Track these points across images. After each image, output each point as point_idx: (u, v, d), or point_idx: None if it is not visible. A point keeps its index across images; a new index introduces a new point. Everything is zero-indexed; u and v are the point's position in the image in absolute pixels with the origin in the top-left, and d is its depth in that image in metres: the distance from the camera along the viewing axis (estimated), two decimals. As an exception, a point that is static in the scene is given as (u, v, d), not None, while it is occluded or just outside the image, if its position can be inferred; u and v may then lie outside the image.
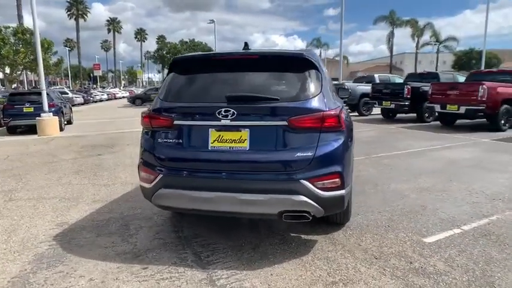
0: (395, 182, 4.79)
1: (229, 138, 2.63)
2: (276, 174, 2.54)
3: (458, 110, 9.45)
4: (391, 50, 48.18)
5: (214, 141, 2.66)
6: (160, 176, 2.74)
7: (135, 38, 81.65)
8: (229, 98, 2.62)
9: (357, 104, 14.32)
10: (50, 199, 4.36)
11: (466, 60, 45.94)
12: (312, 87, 2.69)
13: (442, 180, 4.79)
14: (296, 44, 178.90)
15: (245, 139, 2.61)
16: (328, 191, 2.55)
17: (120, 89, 57.79)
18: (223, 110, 2.59)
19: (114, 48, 76.72)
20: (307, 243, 3.03)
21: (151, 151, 2.83)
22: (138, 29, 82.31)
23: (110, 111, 22.71)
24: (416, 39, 46.47)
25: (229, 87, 2.76)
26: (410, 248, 2.90)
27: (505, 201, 3.95)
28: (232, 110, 2.57)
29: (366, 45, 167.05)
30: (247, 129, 2.60)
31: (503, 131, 9.19)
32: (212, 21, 30.86)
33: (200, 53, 3.31)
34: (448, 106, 9.73)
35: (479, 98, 8.90)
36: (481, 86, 8.93)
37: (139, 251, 2.95)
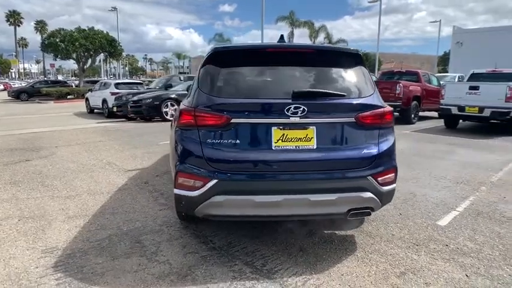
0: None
1: (294, 137, 2.47)
2: (345, 172, 2.49)
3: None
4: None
5: (278, 140, 2.46)
6: (214, 181, 2.41)
7: (7, 21, 69.19)
8: (296, 94, 2.45)
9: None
10: (4, 220, 3.42)
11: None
12: (369, 84, 2.71)
13: (406, 169, 5.36)
14: (193, 38, 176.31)
15: (311, 137, 2.49)
16: (387, 186, 2.61)
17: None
18: (292, 106, 2.41)
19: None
20: (347, 239, 3.06)
21: (197, 153, 2.47)
22: (10, 12, 69.81)
23: (-9, 107, 18.86)
24: (313, 39, 50.51)
25: (289, 82, 2.59)
26: (435, 232, 3.19)
27: (467, 184, 4.65)
28: (303, 107, 2.41)
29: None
30: (314, 127, 2.48)
31: (413, 123, 10.75)
32: (114, 8, 28.17)
33: (245, 43, 3.00)
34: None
35: (396, 95, 10.21)
36: (398, 85, 10.26)
37: (182, 269, 2.56)
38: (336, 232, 3.18)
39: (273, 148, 2.46)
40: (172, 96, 11.40)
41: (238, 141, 2.46)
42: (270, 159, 2.44)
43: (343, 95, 2.54)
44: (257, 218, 2.59)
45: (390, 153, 2.64)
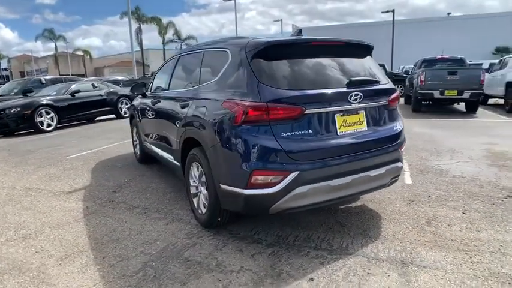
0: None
1: (351, 122, 2.71)
2: (387, 148, 2.88)
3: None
4: (141, 45, 48.67)
5: (340, 126, 2.65)
6: (296, 173, 2.43)
7: None
8: (352, 82, 2.68)
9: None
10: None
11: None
12: (382, 71, 3.14)
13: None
14: (4, 34, 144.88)
15: (363, 120, 2.77)
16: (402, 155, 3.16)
17: None
18: (353, 94, 2.63)
19: None
20: (364, 209, 3.49)
21: (275, 147, 2.42)
22: None
23: None
24: (162, 36, 49.20)
25: (335, 71, 2.77)
26: (412, 189, 3.96)
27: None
28: (360, 94, 2.66)
29: (94, 40, 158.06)
30: (363, 111, 2.77)
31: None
32: None
33: (293, 37, 2.87)
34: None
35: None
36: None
37: (267, 270, 2.47)
38: (351, 205, 3.58)
39: (338, 134, 2.64)
40: (45, 102, 9.47)
41: (310, 130, 2.53)
42: (337, 144, 2.61)
43: (379, 82, 2.91)
44: (328, 202, 2.70)
45: (403, 128, 3.18)
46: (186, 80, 3.72)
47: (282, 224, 3.17)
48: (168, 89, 4.12)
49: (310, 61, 2.77)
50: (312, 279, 2.36)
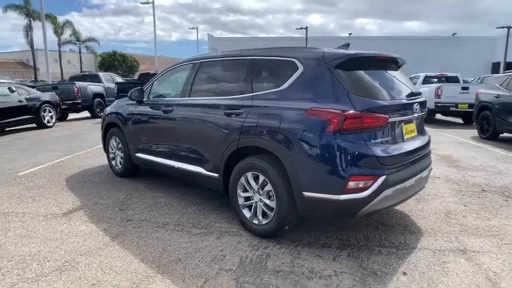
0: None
1: (409, 130, 3.07)
2: (427, 152, 3.33)
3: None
4: (31, 45, 42.40)
5: (405, 133, 2.97)
6: (383, 177, 2.65)
7: None
8: (413, 94, 3.05)
9: (91, 105, 12.98)
10: None
11: (110, 61, 49.53)
12: None
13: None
14: None
15: (414, 129, 3.16)
16: None
17: None
18: (416, 104, 2.98)
19: None
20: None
21: (368, 153, 2.62)
22: None
23: None
24: (58, 36, 43.87)
25: (397, 83, 3.11)
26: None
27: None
28: (419, 104, 3.02)
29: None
30: (415, 120, 3.16)
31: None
32: None
33: (366, 51, 2.96)
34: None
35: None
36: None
37: (365, 268, 2.61)
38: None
39: (404, 140, 2.96)
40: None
41: (389, 137, 2.80)
42: (406, 150, 2.93)
43: (420, 93, 3.34)
44: (398, 203, 2.97)
45: None
46: (224, 88, 3.60)
47: (330, 228, 3.32)
48: (188, 96, 3.89)
49: (378, 73, 3.05)
50: (404, 273, 2.59)
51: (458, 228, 3.35)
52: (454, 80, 13.66)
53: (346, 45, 3.31)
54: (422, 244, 3.03)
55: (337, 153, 2.58)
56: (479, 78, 16.20)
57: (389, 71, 3.18)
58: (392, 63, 3.28)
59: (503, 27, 31.61)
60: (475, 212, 3.75)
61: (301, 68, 2.91)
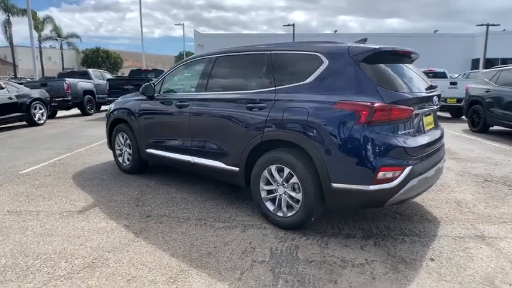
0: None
1: (428, 122, 3.17)
2: (442, 144, 3.43)
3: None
4: (10, 40, 40.91)
5: (425, 125, 3.06)
6: (409, 167, 2.73)
7: None
8: (430, 87, 3.12)
9: (82, 102, 12.68)
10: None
11: (94, 58, 48.38)
12: None
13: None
14: None
15: (431, 121, 3.25)
16: None
17: None
18: (435, 97, 3.07)
19: None
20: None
21: (396, 144, 2.70)
22: None
23: None
24: (39, 32, 42.52)
25: (416, 76, 3.18)
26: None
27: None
28: (437, 97, 3.12)
29: None
30: (433, 112, 3.25)
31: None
32: None
33: (389, 46, 3.00)
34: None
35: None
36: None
37: (396, 257, 2.69)
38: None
39: (425, 132, 3.05)
40: None
41: (413, 129, 2.88)
42: (427, 141, 3.02)
43: (436, 86, 3.44)
44: (420, 193, 3.06)
45: None
46: (244, 82, 3.60)
47: (351, 219, 3.40)
48: (204, 91, 3.87)
49: (398, 67, 3.11)
50: (432, 259, 2.68)
51: (472, 216, 3.48)
52: (441, 75, 14.02)
53: (364, 40, 3.37)
54: (442, 232, 3.14)
55: (367, 145, 2.64)
56: (464, 74, 16.73)
57: (406, 65, 3.26)
58: (408, 57, 3.36)
59: (482, 25, 32.59)
60: (483, 201, 3.90)
61: (326, 62, 2.95)
